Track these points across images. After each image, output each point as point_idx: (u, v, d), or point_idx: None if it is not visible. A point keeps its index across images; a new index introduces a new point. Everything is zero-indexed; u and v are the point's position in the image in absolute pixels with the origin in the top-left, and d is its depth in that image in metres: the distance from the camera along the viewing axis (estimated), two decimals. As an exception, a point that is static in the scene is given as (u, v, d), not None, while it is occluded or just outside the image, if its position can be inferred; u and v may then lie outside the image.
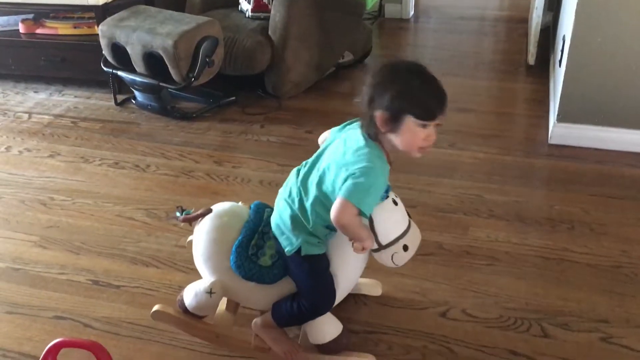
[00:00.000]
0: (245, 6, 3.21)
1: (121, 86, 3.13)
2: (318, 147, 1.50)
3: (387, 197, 1.44)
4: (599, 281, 1.87)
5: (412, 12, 4.38)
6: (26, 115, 3.06)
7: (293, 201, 1.44)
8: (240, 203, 1.66)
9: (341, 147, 1.39)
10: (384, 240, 1.45)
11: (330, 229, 1.43)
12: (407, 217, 1.50)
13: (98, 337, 1.69)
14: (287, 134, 2.79)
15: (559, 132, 2.59)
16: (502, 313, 1.76)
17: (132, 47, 2.81)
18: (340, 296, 1.55)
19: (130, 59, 2.88)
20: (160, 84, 2.84)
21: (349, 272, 1.53)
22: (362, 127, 1.38)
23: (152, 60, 2.81)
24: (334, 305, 1.54)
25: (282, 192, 1.51)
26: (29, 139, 2.83)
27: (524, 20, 4.19)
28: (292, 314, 1.52)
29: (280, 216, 1.48)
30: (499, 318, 1.74)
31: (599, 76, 2.43)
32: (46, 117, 3.04)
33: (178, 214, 1.60)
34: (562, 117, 2.56)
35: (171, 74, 2.80)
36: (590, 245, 2.02)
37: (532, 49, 3.36)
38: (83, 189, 2.43)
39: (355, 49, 3.45)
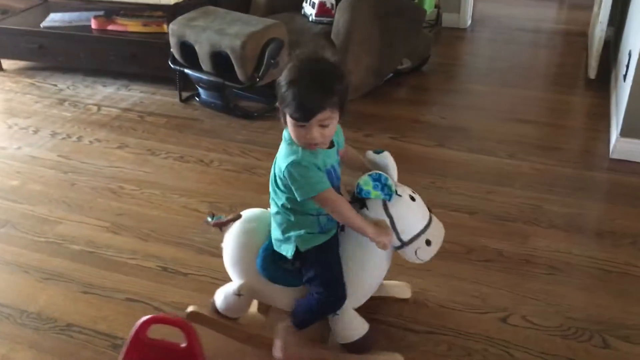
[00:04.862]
0: (309, 10, 3.28)
1: (185, 84, 3.24)
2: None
3: (401, 195, 1.47)
4: (662, 297, 1.87)
5: (469, 22, 4.40)
6: (95, 108, 3.19)
7: (274, 210, 1.51)
8: (269, 209, 1.70)
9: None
10: (405, 237, 1.49)
11: (319, 214, 1.47)
12: (427, 212, 1.53)
13: (169, 320, 1.77)
14: (346, 137, 2.83)
15: (621, 147, 2.57)
16: (563, 322, 1.77)
17: (201, 46, 2.91)
18: (364, 295, 1.59)
19: (196, 57, 2.98)
20: (226, 82, 2.93)
21: (369, 271, 1.55)
22: None
23: (219, 60, 2.91)
24: (358, 305, 1.58)
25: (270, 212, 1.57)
26: (98, 130, 2.96)
27: (582, 34, 4.16)
28: (306, 309, 1.55)
29: (273, 232, 1.54)
30: (560, 326, 1.76)
31: (666, 92, 2.42)
32: (114, 110, 3.17)
33: (209, 219, 1.66)
34: (625, 132, 2.55)
35: (236, 74, 2.89)
36: (654, 261, 2.01)
37: (594, 62, 3.34)
38: (150, 179, 2.53)
39: (414, 56, 3.48)
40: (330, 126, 1.36)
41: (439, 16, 4.35)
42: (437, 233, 1.54)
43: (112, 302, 1.89)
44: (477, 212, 2.27)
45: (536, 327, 1.76)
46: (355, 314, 1.59)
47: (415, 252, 1.52)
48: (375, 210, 1.48)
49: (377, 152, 1.53)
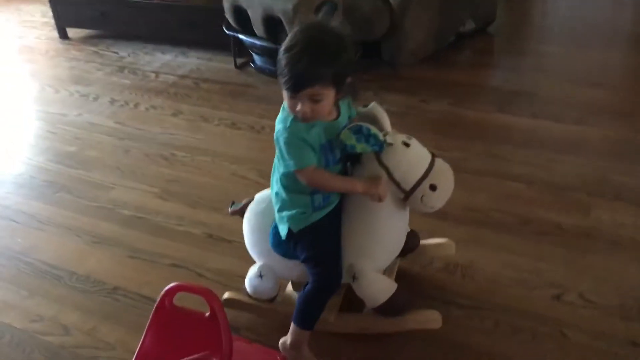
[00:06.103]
0: (366, -29, 3.15)
1: (241, 50, 3.21)
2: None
3: (392, 143, 1.38)
4: None
5: (542, -21, 4.11)
6: (153, 75, 3.23)
7: (274, 188, 1.46)
8: None
9: None
10: (406, 186, 1.41)
11: (313, 193, 1.40)
12: (427, 156, 1.43)
13: (210, 286, 1.75)
14: (400, 103, 2.73)
15: None
16: (624, 301, 1.63)
17: (253, 10, 2.86)
18: (384, 256, 1.52)
19: (250, 22, 2.94)
20: (279, 47, 2.87)
21: (381, 229, 1.47)
22: None
23: (272, 24, 2.85)
24: (381, 267, 1.52)
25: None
26: (155, 97, 2.99)
27: (672, -11, 3.80)
28: (304, 301, 1.47)
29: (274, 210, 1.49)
30: (621, 306, 1.62)
31: None
32: (171, 77, 3.19)
33: (230, 208, 1.65)
34: None
35: (289, 38, 2.82)
36: None
37: (680, 19, 3.04)
38: (202, 146, 2.54)
39: (478, 17, 3.29)
40: (323, 102, 1.28)
41: (509, -27, 4.10)
42: (442, 176, 1.43)
43: (157, 267, 1.91)
44: (536, 181, 2.13)
45: (593, 306, 1.63)
46: (378, 275, 1.52)
47: (421, 199, 1.42)
48: (369, 164, 1.40)
49: (365, 106, 1.46)
